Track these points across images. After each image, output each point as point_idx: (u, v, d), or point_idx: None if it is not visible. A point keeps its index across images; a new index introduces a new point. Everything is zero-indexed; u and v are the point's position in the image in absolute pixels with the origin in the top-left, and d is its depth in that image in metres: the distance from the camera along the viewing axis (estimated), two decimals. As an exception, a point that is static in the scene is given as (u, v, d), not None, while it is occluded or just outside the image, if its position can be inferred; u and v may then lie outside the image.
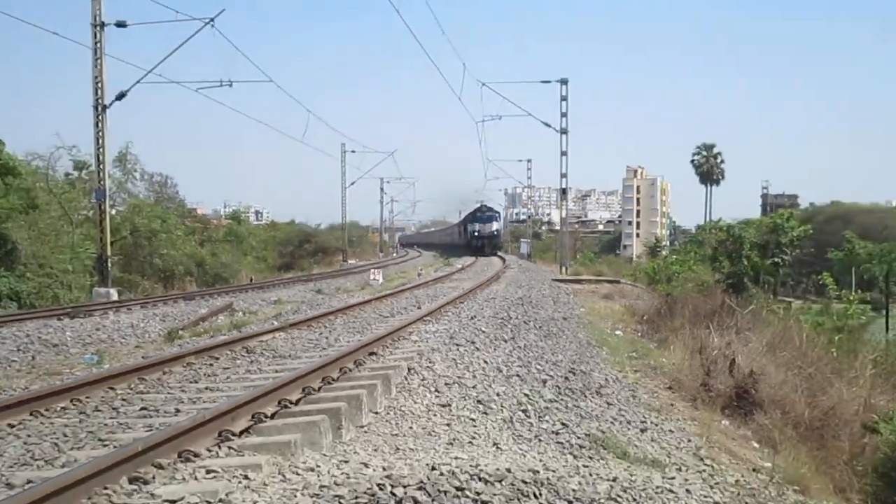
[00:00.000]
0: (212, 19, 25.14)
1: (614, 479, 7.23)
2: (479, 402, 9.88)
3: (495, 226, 68.85)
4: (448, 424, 8.78)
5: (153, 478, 5.78)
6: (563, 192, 49.34)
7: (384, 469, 6.32)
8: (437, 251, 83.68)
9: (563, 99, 43.25)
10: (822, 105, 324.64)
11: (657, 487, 7.36)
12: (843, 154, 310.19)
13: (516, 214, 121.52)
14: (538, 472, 6.79)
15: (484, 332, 15.02)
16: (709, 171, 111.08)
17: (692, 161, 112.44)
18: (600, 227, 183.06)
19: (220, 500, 5.24)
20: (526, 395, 10.75)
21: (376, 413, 8.83)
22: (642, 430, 10.59)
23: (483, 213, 68.65)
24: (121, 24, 26.06)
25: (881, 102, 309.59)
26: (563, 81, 43.28)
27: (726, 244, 54.01)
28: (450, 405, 9.53)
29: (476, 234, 67.17)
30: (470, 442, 8.25)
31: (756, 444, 12.26)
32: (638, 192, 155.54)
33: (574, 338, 16.80)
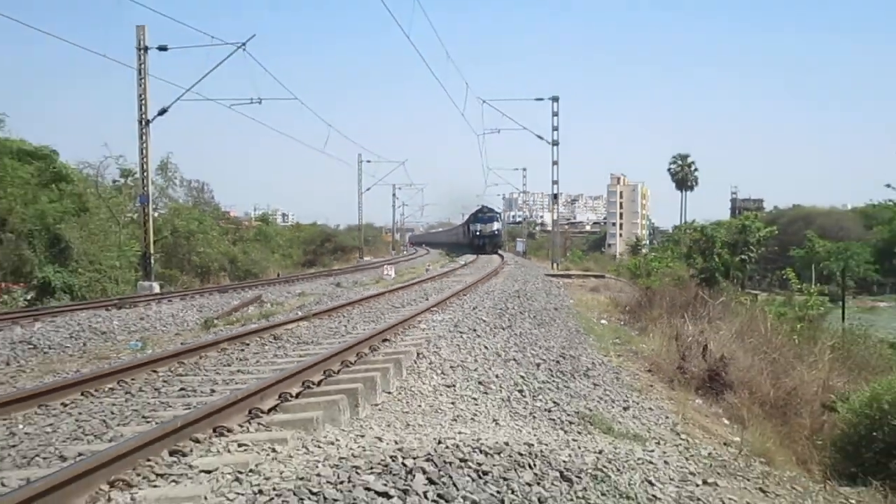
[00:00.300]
0: (243, 44, 25.23)
1: (600, 452, 7.22)
2: (480, 383, 9.88)
3: (496, 225, 64.76)
4: (453, 403, 8.78)
5: (191, 451, 5.78)
6: (555, 196, 49.31)
7: (396, 443, 6.31)
8: (443, 249, 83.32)
9: (555, 114, 43.21)
10: (787, 116, 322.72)
11: (638, 459, 7.35)
12: (805, 161, 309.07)
13: (513, 217, 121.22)
14: (532, 445, 6.79)
15: (484, 320, 15.00)
16: (683, 178, 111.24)
17: (669, 169, 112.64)
18: (587, 228, 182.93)
19: (251, 471, 5.23)
20: (522, 376, 10.74)
21: (389, 393, 8.82)
22: (625, 409, 10.58)
23: (484, 214, 65.19)
24: (162, 48, 26.15)
25: (841, 114, 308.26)
26: (555, 99, 43.21)
27: (700, 243, 54.06)
28: (454, 386, 9.53)
29: (478, 233, 63.18)
30: (472, 418, 8.24)
31: (726, 421, 12.23)
32: (621, 196, 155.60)
33: (564, 326, 16.79)
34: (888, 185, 41.21)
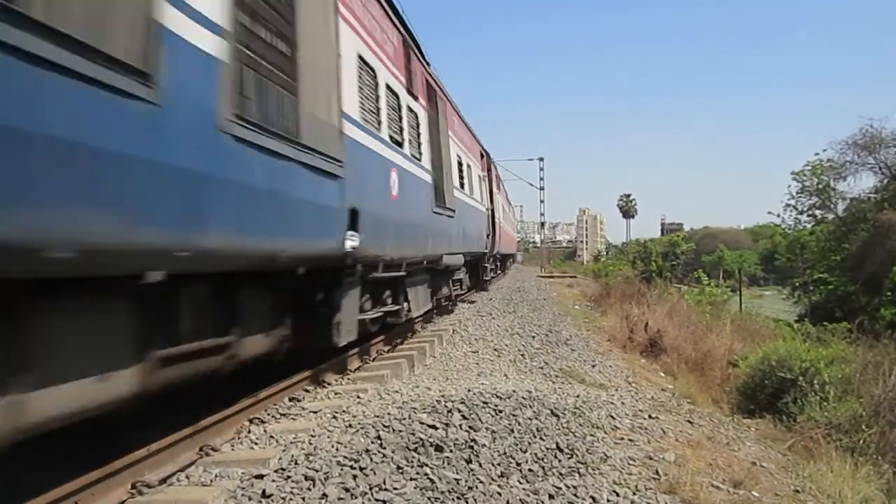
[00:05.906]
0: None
1: (577, 396, 7.03)
2: (495, 349, 9.73)
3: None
4: (477, 363, 8.63)
5: (303, 398, 5.75)
6: (542, 224, 49.18)
7: (440, 391, 6.21)
8: None
9: (541, 169, 43.38)
10: (700, 156, 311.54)
11: (604, 400, 7.15)
12: (712, 192, 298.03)
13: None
14: (531, 391, 6.63)
15: (497, 308, 14.81)
16: (627, 209, 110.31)
17: (617, 204, 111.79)
18: (564, 244, 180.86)
19: (344, 411, 5.17)
20: (523, 345, 10.54)
21: (434, 357, 8.72)
22: (593, 366, 10.32)
23: None
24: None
25: (738, 154, 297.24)
26: (541, 159, 43.51)
27: (641, 253, 53.77)
28: (478, 352, 9.39)
29: None
30: (490, 374, 8.09)
31: (662, 374, 11.90)
32: (586, 223, 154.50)
33: (550, 311, 16.50)
34: (769, 213, 40.37)
